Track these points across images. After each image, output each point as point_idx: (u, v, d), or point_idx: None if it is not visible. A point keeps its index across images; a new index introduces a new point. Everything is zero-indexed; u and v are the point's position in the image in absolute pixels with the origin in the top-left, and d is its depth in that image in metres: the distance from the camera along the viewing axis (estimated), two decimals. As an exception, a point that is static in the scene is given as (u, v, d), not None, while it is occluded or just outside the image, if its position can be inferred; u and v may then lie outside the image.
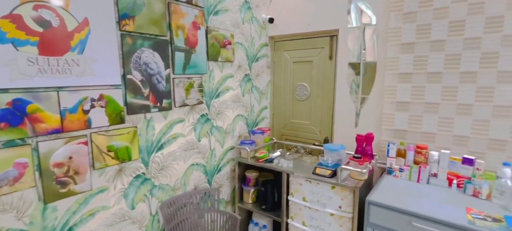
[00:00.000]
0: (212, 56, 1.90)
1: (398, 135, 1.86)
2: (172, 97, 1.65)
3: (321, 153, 2.26)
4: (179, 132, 1.71)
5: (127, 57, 1.39)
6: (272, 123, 2.58)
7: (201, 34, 1.80)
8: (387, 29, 1.84)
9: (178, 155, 1.72)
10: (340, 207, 1.63)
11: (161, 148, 1.61)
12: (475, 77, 1.57)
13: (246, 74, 2.24)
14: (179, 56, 1.66)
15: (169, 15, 1.59)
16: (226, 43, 2.01)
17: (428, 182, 1.63)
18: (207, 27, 1.84)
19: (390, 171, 1.76)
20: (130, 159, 1.43)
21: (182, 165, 1.76)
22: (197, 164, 1.87)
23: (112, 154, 1.35)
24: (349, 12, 1.97)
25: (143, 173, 1.53)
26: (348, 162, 1.70)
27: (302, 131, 2.39)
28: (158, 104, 1.56)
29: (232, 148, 2.16)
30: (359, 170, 1.58)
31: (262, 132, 2.19)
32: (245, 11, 2.17)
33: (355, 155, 1.69)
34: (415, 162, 1.70)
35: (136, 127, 1.46)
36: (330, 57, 2.17)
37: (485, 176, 1.46)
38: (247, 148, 2.01)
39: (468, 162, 1.53)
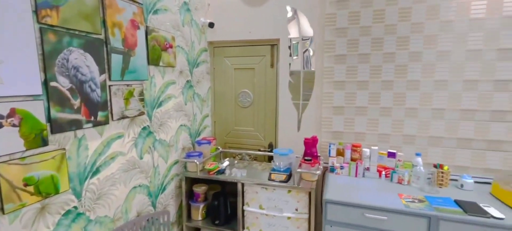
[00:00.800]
0: (153, 60, 1.67)
1: (336, 136, 2.08)
2: (109, 108, 1.35)
3: (266, 158, 2.32)
4: (118, 150, 1.42)
5: (49, 58, 1.06)
6: (215, 131, 2.48)
7: (140, 34, 1.55)
8: (323, 41, 2.04)
9: (117, 178, 1.42)
10: (296, 210, 1.70)
11: (96, 172, 1.30)
12: (392, 85, 1.92)
13: (187, 81, 2.07)
14: (117, 59, 1.39)
15: (103, 9, 1.31)
16: (167, 46, 1.80)
17: (363, 176, 1.89)
18: (147, 27, 1.61)
19: (332, 169, 1.94)
20: (57, 191, 1.09)
21: (122, 189, 1.46)
22: (140, 185, 1.59)
23: (30, 188, 1.00)
24: (288, 24, 2.09)
25: (75, 206, 1.19)
26: (300, 165, 1.79)
27: (246, 138, 2.38)
28: (92, 118, 1.25)
29: (176, 162, 1.95)
30: (313, 171, 1.69)
31: (209, 142, 2.07)
32: (184, 13, 2.01)
33: (306, 158, 1.80)
34: (352, 159, 1.94)
35: (64, 149, 1.12)
36: (272, 65, 2.25)
37: (404, 165, 1.79)
38: (196, 161, 1.85)
39: (392, 155, 1.85)
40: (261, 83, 2.29)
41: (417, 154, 1.77)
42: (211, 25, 2.25)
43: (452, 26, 1.76)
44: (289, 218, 1.71)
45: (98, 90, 1.28)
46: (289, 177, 1.77)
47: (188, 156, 1.91)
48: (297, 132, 2.17)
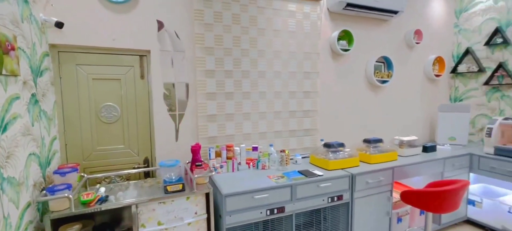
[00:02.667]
0: (-5, 67, 1.19)
1: (212, 141, 2.37)
2: None
3: (141, 176, 2.18)
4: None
5: None
6: (66, 157, 1.97)
7: (-23, 30, 1.08)
8: (195, 57, 2.27)
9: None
10: (196, 213, 1.82)
11: None
12: (249, 95, 2.48)
13: (33, 94, 1.57)
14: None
15: None
16: (9, 48, 1.32)
17: (238, 169, 2.31)
18: (-16, 19, 1.13)
19: (214, 170, 2.21)
20: None
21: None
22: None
23: None
24: (160, 37, 2.12)
25: None
26: (193, 171, 1.91)
27: (115, 157, 2.11)
28: None
29: (29, 205, 1.43)
30: (206, 174, 1.88)
31: (75, 169, 1.67)
32: (22, 5, 1.52)
33: (197, 164, 1.95)
34: (228, 158, 2.31)
35: None
36: (142, 77, 2.16)
37: (264, 155, 2.40)
38: (67, 194, 1.47)
39: (255, 149, 2.40)
40: (131, 96, 2.13)
41: (270, 145, 2.43)
42: (59, 25, 1.80)
43: (265, 54, 2.56)
44: (189, 224, 1.80)
45: None
46: (183, 185, 1.85)
47: (51, 191, 1.47)
48: (176, 142, 2.24)
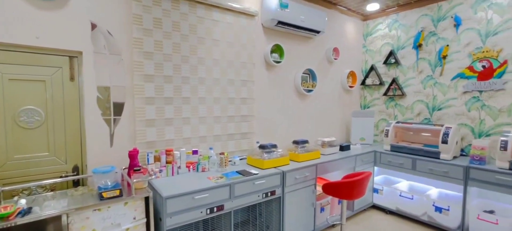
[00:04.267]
0: None
1: (150, 146, 2.35)
2: None
3: (71, 185, 2.03)
4: None
5: None
6: (-28, 168, 1.71)
7: None
8: (132, 61, 2.24)
9: None
10: (134, 218, 1.81)
11: None
12: (189, 101, 2.56)
13: None
14: None
15: None
16: None
17: (178, 173, 2.35)
18: None
19: (153, 174, 2.21)
20: None
21: None
22: None
23: None
24: (94, 38, 2.05)
25: None
26: (131, 176, 1.89)
27: (37, 166, 1.92)
28: None
29: None
30: (144, 179, 1.89)
31: (-11, 181, 1.49)
32: None
33: (136, 168, 1.93)
34: (167, 162, 2.33)
35: None
36: (72, 79, 2.03)
37: (204, 158, 2.50)
38: (-20, 209, 1.31)
39: (195, 152, 2.48)
40: (58, 99, 1.98)
41: (210, 148, 2.55)
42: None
43: (204, 61, 2.73)
44: (127, 229, 1.78)
45: None
46: (121, 191, 1.82)
47: (-42, 206, 1.29)
48: (111, 147, 2.16)
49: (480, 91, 3.13)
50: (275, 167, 2.61)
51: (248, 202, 2.29)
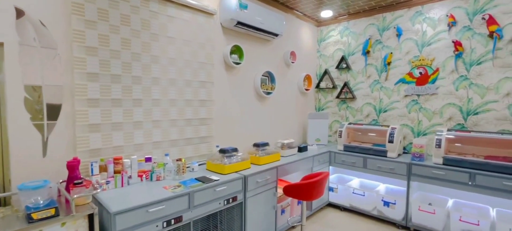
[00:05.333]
0: None
1: (94, 154, 2.06)
2: None
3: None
4: None
5: None
6: None
7: None
8: (72, 57, 1.94)
9: None
10: (75, 240, 1.54)
11: None
12: (141, 103, 2.32)
13: None
14: None
15: None
16: None
17: (128, 184, 2.10)
18: None
19: (99, 187, 1.93)
20: None
21: None
22: None
23: None
24: (19, 28, 1.71)
25: None
26: (70, 191, 1.62)
27: None
28: None
29: None
30: (88, 193, 1.63)
31: None
32: None
33: (76, 182, 1.66)
34: (116, 172, 2.07)
35: None
36: (-11, 76, 1.66)
37: (158, 165, 2.29)
38: None
39: (148, 160, 2.25)
40: (-31, 100, 1.59)
41: (166, 154, 2.35)
42: None
43: (159, 60, 2.54)
44: (65, 254, 1.50)
45: None
46: (57, 209, 1.54)
47: None
48: (43, 157, 1.83)
49: (418, 95, 3.50)
50: (236, 172, 2.52)
51: (209, 210, 2.16)
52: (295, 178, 3.55)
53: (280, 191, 2.99)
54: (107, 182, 1.98)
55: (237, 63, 3.06)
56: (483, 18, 2.98)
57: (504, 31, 2.88)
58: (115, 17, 2.12)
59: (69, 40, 1.92)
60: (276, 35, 3.34)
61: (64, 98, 1.91)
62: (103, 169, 2.01)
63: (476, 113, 3.09)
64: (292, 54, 3.86)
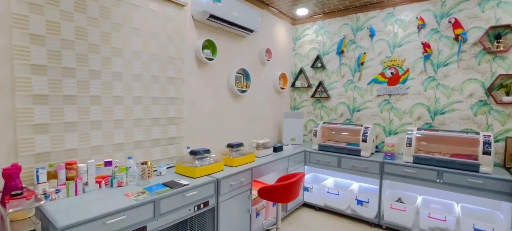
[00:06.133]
0: None
1: (41, 159, 1.78)
2: None
3: None
4: None
5: None
6: None
7: None
8: (11, 45, 1.65)
9: None
10: (11, 263, 1.29)
11: None
12: (100, 100, 2.07)
13: None
14: None
15: None
16: None
17: (84, 191, 1.85)
18: None
19: (46, 197, 1.67)
20: None
21: None
22: None
23: None
24: None
25: None
26: (5, 204, 1.35)
27: None
28: None
29: None
30: (30, 206, 1.38)
31: None
32: None
33: (14, 193, 1.40)
34: (69, 178, 1.81)
35: None
36: None
37: (120, 170, 2.05)
38: None
39: (108, 164, 2.01)
40: None
41: (129, 157, 2.12)
42: None
43: (122, 53, 2.28)
44: (-2, 281, 1.25)
45: None
46: (-12, 226, 1.28)
47: None
48: (-27, 165, 1.53)
49: (390, 95, 3.57)
50: (208, 175, 2.35)
51: (177, 218, 1.97)
52: (270, 179, 3.46)
53: (254, 193, 2.87)
54: (57, 191, 1.72)
55: (210, 59, 2.88)
56: (450, 22, 3.10)
57: (468, 34, 3.02)
58: (68, 2, 1.85)
59: (7, 26, 1.63)
60: (251, 31, 3.21)
61: (1, 94, 1.62)
62: (52, 175, 1.75)
63: (443, 113, 3.21)
64: (268, 51, 3.76)
